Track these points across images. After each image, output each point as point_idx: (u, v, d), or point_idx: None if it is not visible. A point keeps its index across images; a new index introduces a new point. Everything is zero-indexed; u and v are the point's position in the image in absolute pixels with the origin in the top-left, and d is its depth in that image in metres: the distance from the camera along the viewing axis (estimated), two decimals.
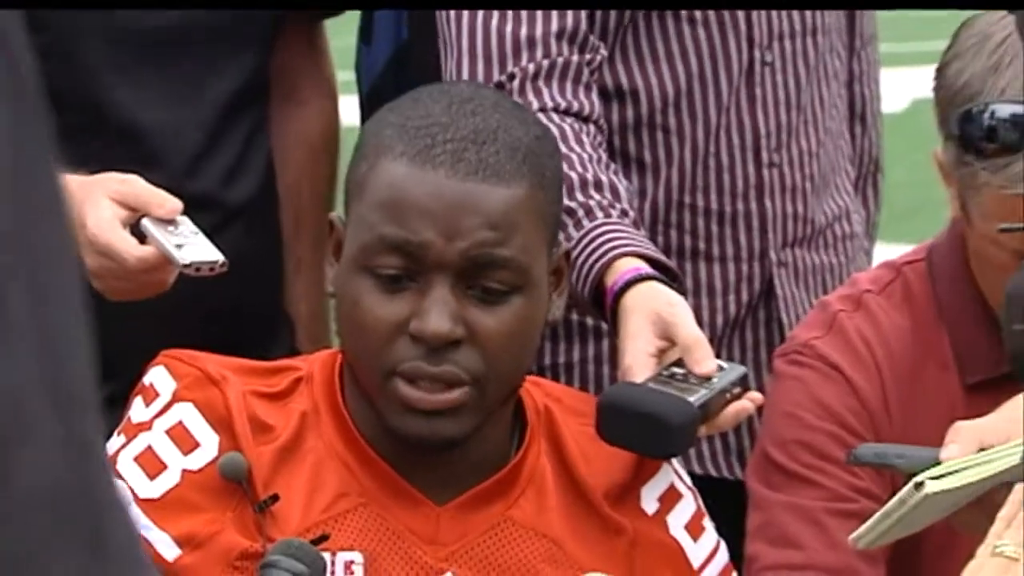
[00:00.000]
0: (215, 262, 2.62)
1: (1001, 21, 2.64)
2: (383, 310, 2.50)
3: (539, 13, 2.95)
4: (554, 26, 2.92)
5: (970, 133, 2.56)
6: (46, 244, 0.80)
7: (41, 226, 0.79)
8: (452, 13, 3.00)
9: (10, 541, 0.77)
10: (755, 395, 2.66)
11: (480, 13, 2.97)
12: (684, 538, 2.64)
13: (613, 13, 3.06)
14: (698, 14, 3.06)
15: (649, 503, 2.64)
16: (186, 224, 2.62)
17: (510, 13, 2.95)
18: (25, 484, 0.77)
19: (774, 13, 3.11)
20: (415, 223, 2.49)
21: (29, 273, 0.78)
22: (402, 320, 2.48)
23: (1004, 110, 2.54)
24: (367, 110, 3.17)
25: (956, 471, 2.27)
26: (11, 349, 0.78)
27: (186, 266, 2.57)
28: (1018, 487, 1.88)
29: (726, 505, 2.75)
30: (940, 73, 2.62)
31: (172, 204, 2.62)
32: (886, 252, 3.47)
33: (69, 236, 0.82)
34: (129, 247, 2.59)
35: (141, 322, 2.65)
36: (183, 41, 3.12)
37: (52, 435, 0.78)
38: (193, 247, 2.58)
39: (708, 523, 2.67)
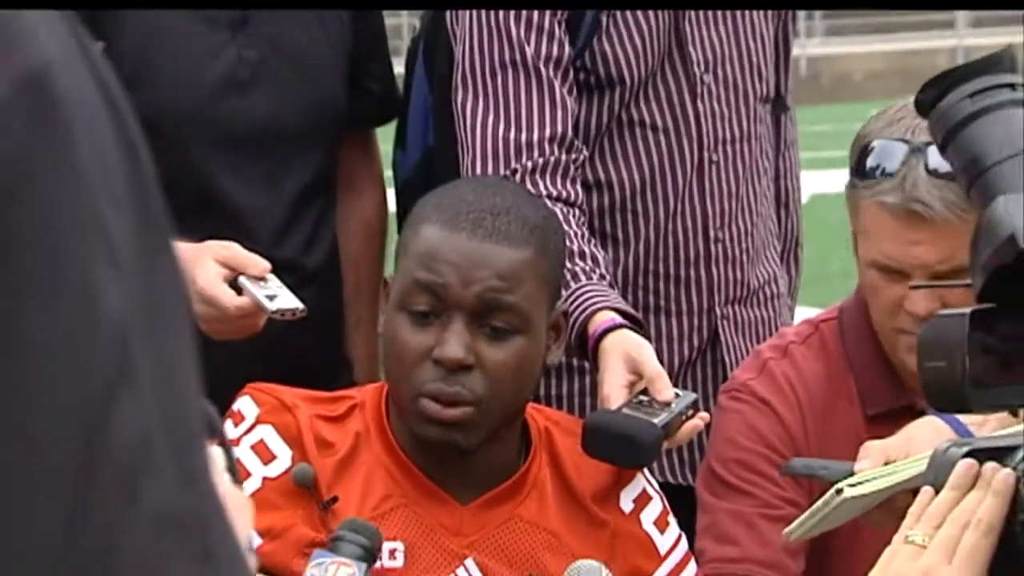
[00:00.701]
0: (296, 309, 2.68)
1: (903, 104, 2.65)
2: (414, 340, 2.55)
3: (535, 122, 2.94)
4: (547, 133, 2.92)
5: (858, 162, 2.61)
6: (166, 305, 0.78)
7: (161, 291, 0.77)
8: (468, 123, 2.98)
9: (139, 555, 0.75)
10: (704, 415, 2.70)
11: (490, 123, 2.96)
12: (653, 531, 2.67)
13: (593, 122, 3.06)
14: (659, 122, 3.05)
15: (626, 504, 2.67)
16: (273, 280, 2.69)
17: (512, 122, 2.95)
18: (151, 508, 0.75)
19: (719, 123, 3.10)
20: (441, 269, 2.55)
21: (151, 331, 0.76)
22: (427, 348, 2.53)
23: (881, 143, 2.58)
24: (401, 200, 3.21)
25: (867, 480, 2.29)
26: (139, 394, 0.75)
27: (274, 312, 2.63)
28: (925, 489, 1.87)
29: (682, 506, 2.76)
30: (855, 140, 2.66)
31: (263, 265, 2.68)
32: (796, 312, 3.54)
33: (184, 295, 0.81)
34: (230, 298, 2.66)
35: (234, 360, 2.65)
36: (270, 142, 3.12)
37: (171, 466, 0.76)
38: (280, 298, 2.65)
39: (672, 519, 2.70)
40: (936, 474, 1.85)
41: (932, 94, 1.91)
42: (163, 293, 0.77)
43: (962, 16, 21.77)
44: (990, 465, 1.81)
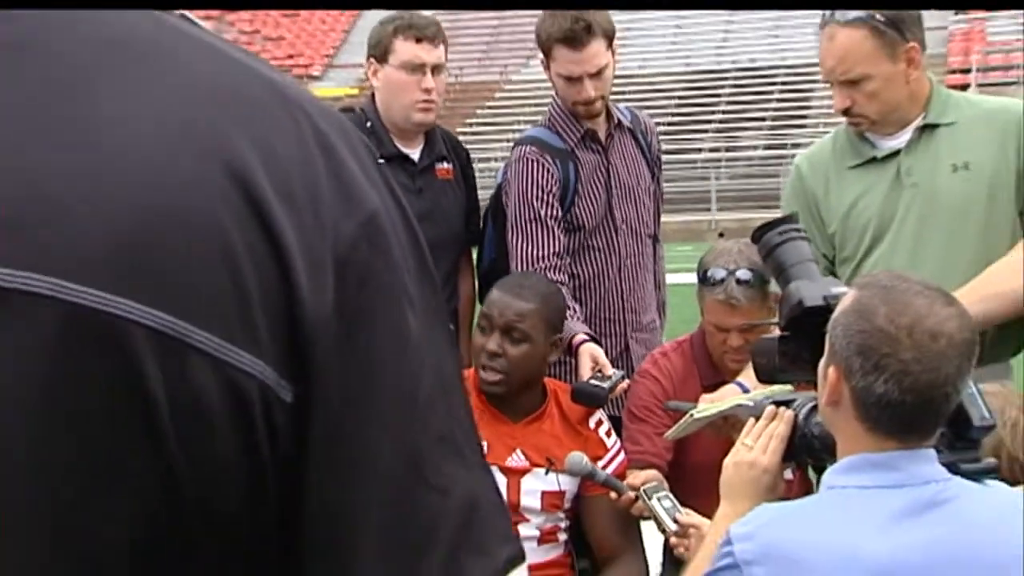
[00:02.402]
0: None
1: (718, 248, 2.59)
2: (479, 341, 2.51)
3: (544, 247, 2.83)
4: (550, 251, 2.82)
5: (703, 276, 2.49)
6: (435, 319, 0.70)
7: (432, 313, 0.69)
8: (513, 247, 2.86)
9: (431, 457, 0.67)
10: (627, 382, 2.64)
11: (524, 248, 2.84)
12: (605, 438, 2.62)
13: (571, 246, 2.91)
14: (600, 246, 2.93)
15: (592, 424, 2.62)
16: None
17: (534, 247, 2.84)
18: (435, 431, 0.67)
19: (629, 247, 2.96)
20: (492, 310, 2.50)
21: (430, 333, 0.69)
22: (483, 344, 2.49)
23: (713, 269, 2.46)
24: (480, 283, 3.07)
25: (703, 411, 2.24)
26: (426, 367, 0.68)
27: None
28: (751, 419, 1.82)
29: (615, 427, 2.67)
30: (700, 264, 2.54)
31: None
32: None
33: (443, 312, 0.72)
34: None
35: None
36: (432, 251, 2.87)
37: (441, 405, 0.68)
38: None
39: (613, 433, 2.65)
40: (756, 412, 1.83)
41: (760, 232, 1.91)
42: (433, 314, 0.69)
43: (714, 204, 21.32)
44: (782, 408, 1.80)
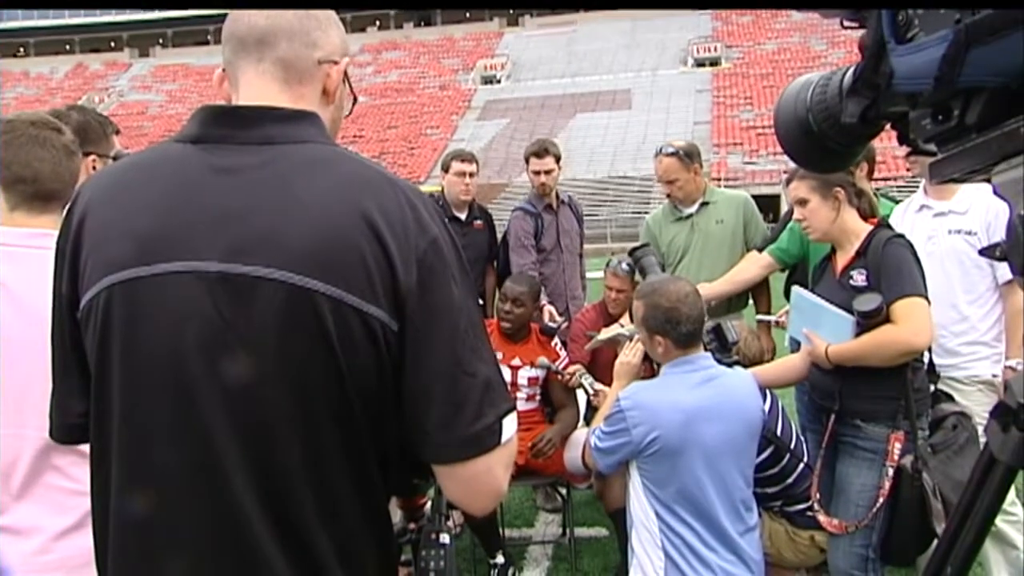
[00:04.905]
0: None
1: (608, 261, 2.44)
2: (500, 305, 2.23)
3: (528, 258, 2.46)
4: (531, 261, 2.53)
5: (607, 265, 2.28)
6: (471, 294, 0.63)
7: (469, 291, 0.63)
8: (512, 261, 2.44)
9: (469, 362, 0.61)
10: (567, 324, 2.41)
11: (517, 260, 2.43)
12: (560, 350, 2.35)
13: (540, 259, 2.50)
14: (553, 259, 2.49)
15: (552, 344, 2.34)
16: None
17: (523, 257, 2.45)
18: (472, 343, 0.61)
19: (568, 259, 2.54)
20: (507, 290, 2.24)
21: (468, 300, 0.63)
22: (503, 307, 2.18)
23: (611, 261, 2.21)
24: (498, 281, 2.60)
25: (604, 336, 2.07)
26: (469, 314, 0.61)
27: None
28: (628, 342, 1.67)
29: (564, 345, 2.45)
30: (608, 261, 2.28)
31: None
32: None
33: (475, 292, 0.64)
34: None
35: None
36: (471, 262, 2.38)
37: (471, 333, 0.61)
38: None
39: (563, 348, 2.37)
40: (629, 337, 1.73)
41: (631, 252, 1.84)
42: (468, 288, 0.63)
43: (609, 240, 19.50)
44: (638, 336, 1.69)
